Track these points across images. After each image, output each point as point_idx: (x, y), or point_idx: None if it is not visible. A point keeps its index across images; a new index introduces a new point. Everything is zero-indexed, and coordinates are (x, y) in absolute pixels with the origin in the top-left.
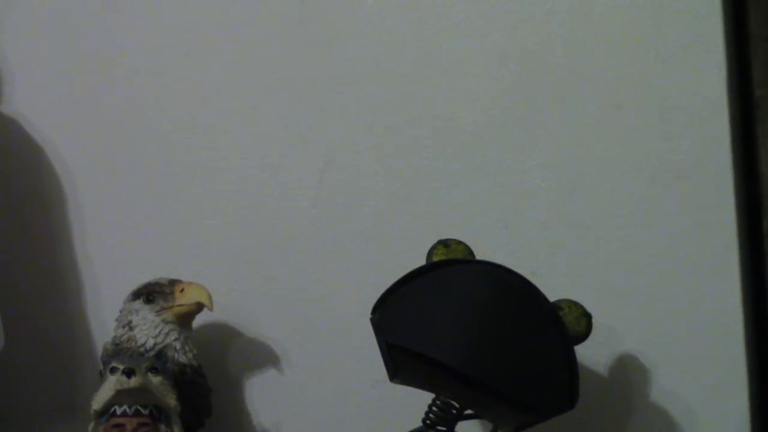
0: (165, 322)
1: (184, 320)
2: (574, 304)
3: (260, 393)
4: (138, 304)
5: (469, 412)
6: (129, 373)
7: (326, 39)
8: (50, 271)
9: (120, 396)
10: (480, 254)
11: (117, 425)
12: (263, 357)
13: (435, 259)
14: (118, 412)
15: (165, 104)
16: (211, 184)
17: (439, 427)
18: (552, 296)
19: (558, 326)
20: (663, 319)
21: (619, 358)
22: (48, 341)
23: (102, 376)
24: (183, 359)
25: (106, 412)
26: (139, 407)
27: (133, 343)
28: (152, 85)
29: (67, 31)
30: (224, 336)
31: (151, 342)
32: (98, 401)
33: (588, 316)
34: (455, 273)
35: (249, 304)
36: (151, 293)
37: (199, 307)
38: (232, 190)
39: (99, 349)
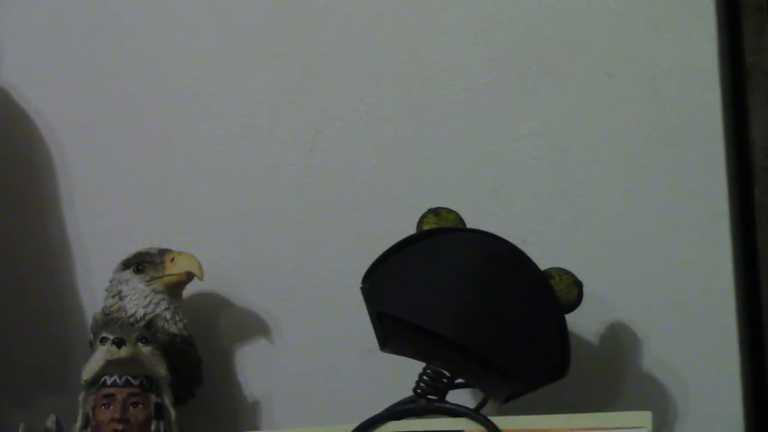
0: (155, 291)
1: (174, 290)
2: (565, 273)
3: (250, 362)
4: (128, 273)
5: (460, 381)
6: (119, 343)
7: (315, 8)
8: (40, 242)
9: (110, 366)
10: (471, 223)
11: (107, 395)
12: (253, 326)
13: (425, 227)
14: (109, 382)
15: (155, 76)
16: (202, 154)
17: (430, 396)
18: (543, 264)
19: (549, 294)
20: (654, 288)
21: (610, 327)
22: (38, 311)
23: (92, 347)
24: (173, 329)
25: (96, 382)
26: (129, 377)
27: (123, 313)
28: (142, 57)
29: (58, 1)
30: (214, 306)
31: (141, 312)
32: (88, 371)
33: (579, 285)
34: (446, 241)
35: (239, 274)
36: (141, 263)
37: (189, 276)
38: (223, 160)
39: (89, 320)
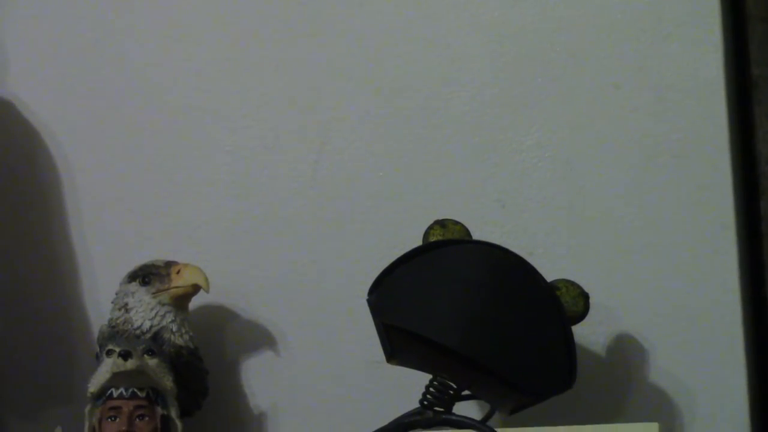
0: (161, 304)
1: (180, 302)
2: (571, 284)
3: (256, 374)
4: (134, 286)
5: (466, 392)
6: (125, 355)
7: (321, 19)
8: (46, 255)
9: (116, 378)
10: (477, 234)
11: (114, 408)
12: (259, 339)
13: (432, 239)
14: (115, 394)
15: (161, 87)
16: (207, 166)
17: (436, 408)
18: (549, 276)
19: (555, 306)
20: (661, 299)
21: (616, 338)
22: (44, 324)
23: (98, 359)
24: (179, 341)
25: (102, 394)
26: (135, 389)
27: (130, 326)
28: (148, 67)
29: (63, 14)
30: (220, 318)
31: (147, 324)
32: (95, 384)
33: (585, 296)
34: (452, 253)
35: (245, 286)
36: (147, 275)
37: (195, 288)
38: (229, 172)
39: (95, 332)
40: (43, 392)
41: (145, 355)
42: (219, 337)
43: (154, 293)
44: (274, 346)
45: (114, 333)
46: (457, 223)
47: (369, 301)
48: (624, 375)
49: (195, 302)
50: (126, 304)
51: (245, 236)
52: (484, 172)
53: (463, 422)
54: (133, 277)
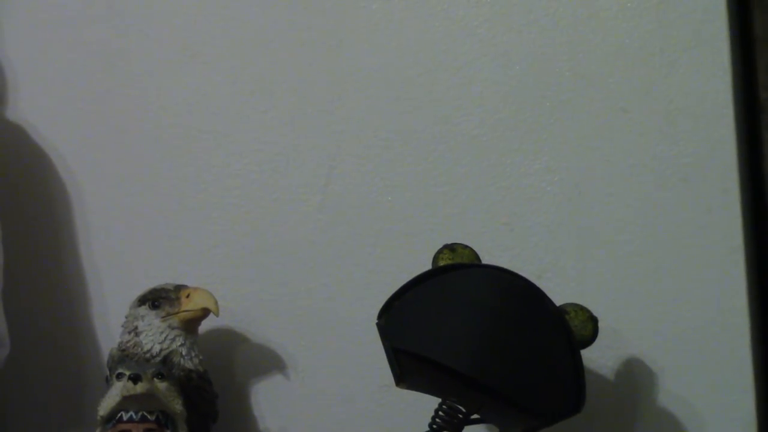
0: (171, 327)
1: (190, 326)
2: (580, 308)
3: (266, 398)
4: (144, 309)
5: (475, 416)
6: (135, 378)
7: (331, 43)
8: (56, 278)
9: (126, 402)
10: (486, 258)
11: (123, 431)
12: (269, 362)
13: (441, 263)
14: (125, 418)
15: (170, 110)
16: (217, 190)
17: None
18: (558, 300)
19: (564, 330)
20: (669, 323)
21: (625, 362)
22: (54, 348)
23: (108, 382)
24: (189, 365)
25: (112, 418)
26: (145, 413)
27: (139, 349)
28: (157, 90)
29: (71, 37)
30: (230, 341)
31: (157, 348)
32: (105, 407)
33: (594, 320)
34: (461, 277)
35: (255, 310)
36: (156, 299)
37: (205, 312)
38: (238, 196)
39: (105, 356)
40: (52, 416)
41: (155, 379)
42: (228, 361)
43: (163, 317)
44: (283, 369)
45: (124, 356)
46: (466, 247)
47: (378, 325)
48: (632, 399)
49: (205, 326)
50: (136, 327)
51: (255, 260)
52: (493, 195)
53: None
54: (143, 300)
